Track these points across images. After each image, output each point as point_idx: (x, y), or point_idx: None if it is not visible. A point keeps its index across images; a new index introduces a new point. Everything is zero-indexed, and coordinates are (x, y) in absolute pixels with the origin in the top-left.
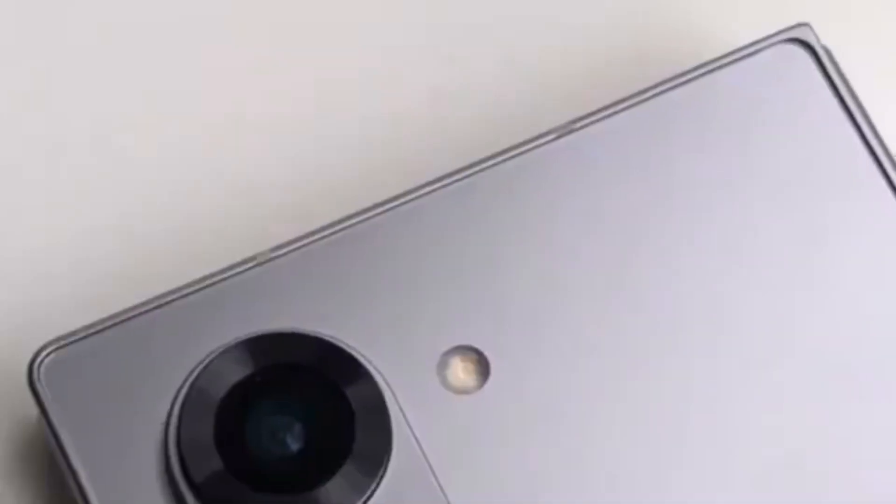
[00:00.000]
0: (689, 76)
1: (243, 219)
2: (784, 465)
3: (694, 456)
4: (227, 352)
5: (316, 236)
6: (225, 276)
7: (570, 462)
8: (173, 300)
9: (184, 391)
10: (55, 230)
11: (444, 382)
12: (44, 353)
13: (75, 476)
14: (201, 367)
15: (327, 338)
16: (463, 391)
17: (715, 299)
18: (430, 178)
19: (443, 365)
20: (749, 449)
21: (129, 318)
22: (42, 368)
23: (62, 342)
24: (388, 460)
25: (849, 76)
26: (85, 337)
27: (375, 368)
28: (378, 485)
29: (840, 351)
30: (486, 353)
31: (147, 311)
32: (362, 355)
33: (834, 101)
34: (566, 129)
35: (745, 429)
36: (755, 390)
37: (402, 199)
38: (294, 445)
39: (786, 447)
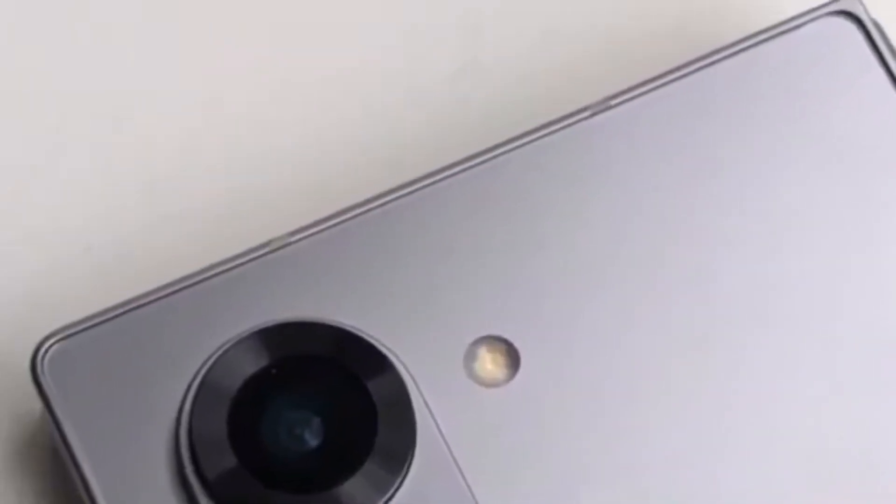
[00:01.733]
0: (732, 50)
1: (259, 201)
2: (832, 453)
3: (739, 450)
4: (241, 342)
5: (335, 220)
6: (239, 262)
7: (605, 458)
8: (184, 288)
9: (196, 384)
10: (58, 217)
11: (472, 374)
12: (48, 344)
13: (81, 473)
14: (214, 358)
15: (347, 327)
16: (491, 384)
17: (761, 282)
18: (458, 159)
19: (470, 356)
20: (798, 438)
21: (137, 307)
22: (46, 360)
23: (67, 332)
24: (411, 457)
25: None
26: (91, 327)
27: (399, 360)
28: (401, 483)
29: (892, 330)
30: (516, 343)
31: (156, 300)
32: (385, 346)
33: (883, 76)
34: (602, 106)
35: (793, 416)
36: (803, 374)
37: (428, 181)
38: (312, 441)
39: (836, 435)
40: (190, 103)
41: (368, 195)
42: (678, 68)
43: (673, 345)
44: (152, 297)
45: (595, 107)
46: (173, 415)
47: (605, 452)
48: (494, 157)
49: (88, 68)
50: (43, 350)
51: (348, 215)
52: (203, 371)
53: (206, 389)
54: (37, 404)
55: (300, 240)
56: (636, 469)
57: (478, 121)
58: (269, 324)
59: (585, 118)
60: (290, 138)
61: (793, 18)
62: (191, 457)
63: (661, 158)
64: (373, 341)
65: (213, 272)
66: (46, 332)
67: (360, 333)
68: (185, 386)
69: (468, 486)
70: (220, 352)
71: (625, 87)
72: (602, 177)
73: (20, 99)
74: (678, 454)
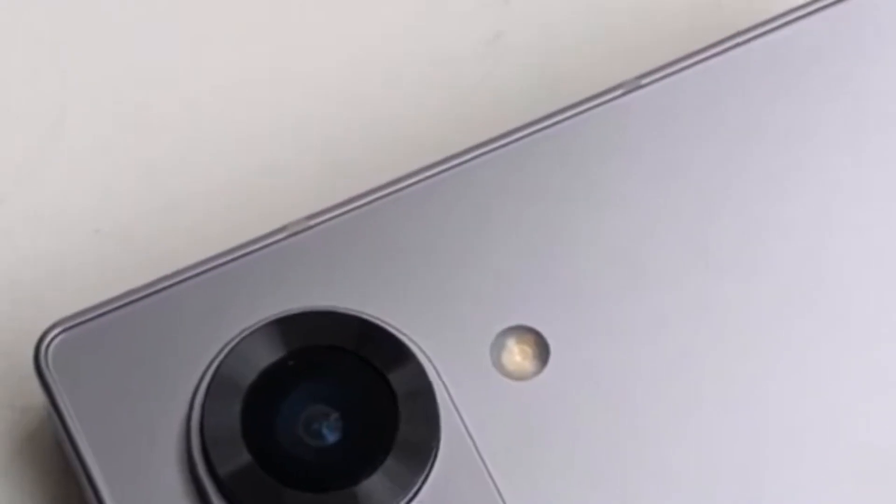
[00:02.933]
0: (773, 25)
1: (275, 184)
2: (882, 450)
3: (781, 448)
4: (255, 333)
5: (355, 203)
6: (253, 248)
7: (639, 456)
8: (196, 275)
9: (208, 376)
10: (64, 199)
11: (499, 366)
12: (52, 334)
13: (86, 471)
14: (227, 349)
15: (368, 316)
16: (520, 376)
17: (806, 267)
18: (485, 139)
19: (497, 347)
20: (846, 434)
21: (147, 296)
22: (50, 351)
23: (73, 322)
24: (435, 454)
25: None
26: (98, 316)
27: (422, 351)
28: (424, 481)
29: None
30: (546, 333)
31: (167, 288)
32: (407, 336)
33: None
34: (634, 85)
35: (842, 413)
36: (856, 370)
37: (453, 162)
38: (330, 437)
39: (887, 430)
40: (203, 80)
41: (390, 177)
42: (715, 44)
43: (713, 336)
44: (163, 285)
45: (627, 85)
46: (184, 409)
47: (639, 450)
48: (523, 137)
49: (99, 48)
50: (47, 341)
51: (369, 198)
52: (216, 363)
53: (218, 382)
54: (40, 398)
55: (318, 224)
56: (672, 468)
57: (504, 99)
58: (285, 313)
59: (617, 97)
60: (307, 117)
61: None
62: (202, 453)
63: (697, 139)
64: (394, 331)
65: (226, 259)
66: (50, 321)
67: (380, 323)
68: (196, 379)
69: (495, 485)
70: (233, 343)
71: (659, 63)
72: (635, 158)
73: (22, 80)
74: (718, 453)
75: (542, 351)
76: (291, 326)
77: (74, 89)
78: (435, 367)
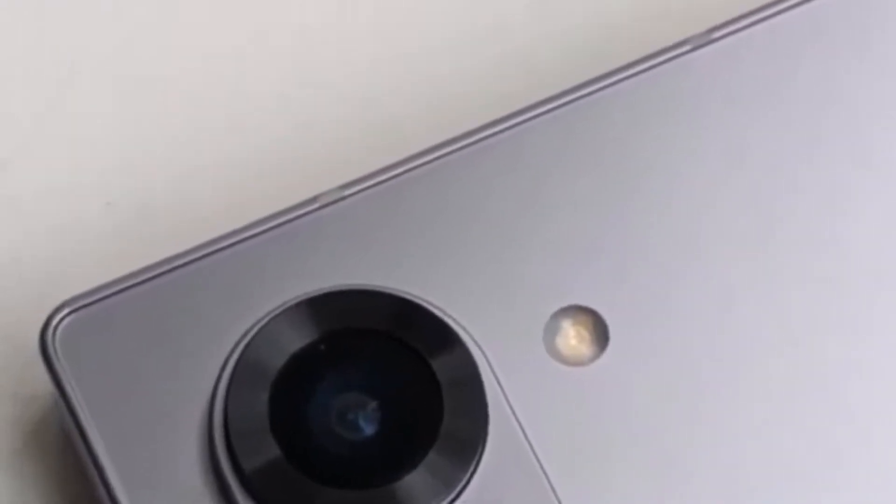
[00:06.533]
0: None
1: (307, 149)
2: None
3: (857, 450)
4: (284, 314)
5: (394, 171)
6: (282, 220)
7: (703, 450)
8: (219, 251)
9: (232, 362)
10: (73, 168)
11: (553, 351)
12: (60, 316)
13: (98, 465)
14: (254, 332)
15: (408, 296)
16: (575, 362)
17: (886, 244)
18: (536, 101)
19: (551, 330)
20: None
21: (163, 273)
22: (58, 334)
23: (82, 302)
24: (482, 447)
25: None
26: (110, 295)
27: (468, 334)
28: (471, 477)
29: None
30: (604, 315)
31: (186, 265)
32: (452, 318)
33: None
34: (704, 40)
35: None
36: None
37: (501, 126)
38: (367, 429)
39: None
40: (222, 40)
41: (432, 143)
42: None
43: (786, 317)
44: (181, 262)
45: (696, 39)
46: (206, 398)
47: (703, 443)
48: (580, 97)
49: (111, 11)
50: (54, 322)
51: (409, 166)
52: (241, 347)
53: (244, 368)
54: (46, 386)
55: (353, 195)
56: (738, 464)
57: (559, 56)
58: (318, 292)
59: (685, 52)
60: (341, 78)
61: None
62: (226, 447)
63: (770, 100)
64: (438, 312)
65: (251, 232)
66: (58, 301)
67: (422, 303)
68: (219, 365)
69: (548, 481)
70: (260, 325)
71: (730, 17)
72: (703, 121)
73: (30, 41)
74: (788, 444)
75: (601, 334)
76: (324, 307)
77: (84, 52)
78: (482, 352)
